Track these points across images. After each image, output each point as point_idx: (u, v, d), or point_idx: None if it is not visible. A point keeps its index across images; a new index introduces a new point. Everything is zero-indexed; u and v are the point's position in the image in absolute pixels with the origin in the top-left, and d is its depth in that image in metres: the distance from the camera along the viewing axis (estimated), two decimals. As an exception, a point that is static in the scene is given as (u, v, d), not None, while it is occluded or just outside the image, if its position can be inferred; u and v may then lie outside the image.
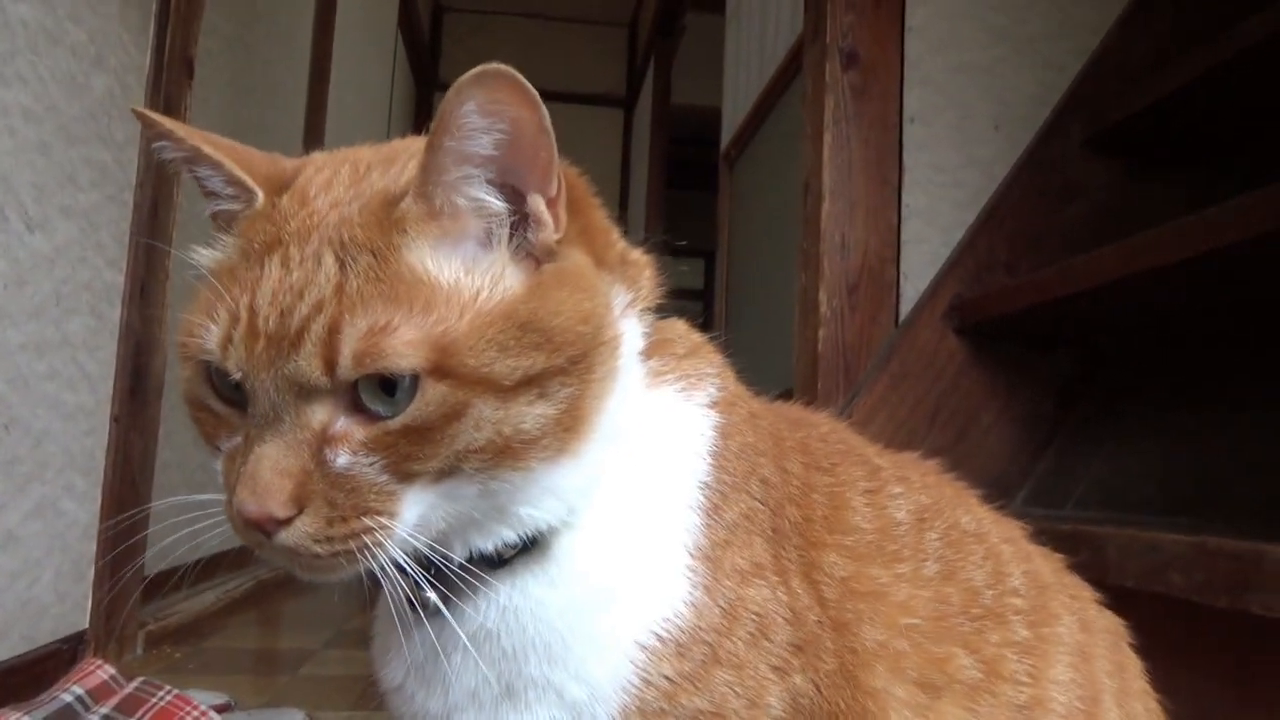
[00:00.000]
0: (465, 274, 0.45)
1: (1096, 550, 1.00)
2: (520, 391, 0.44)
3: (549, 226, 0.47)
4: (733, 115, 2.68)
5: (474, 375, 0.43)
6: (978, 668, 0.53)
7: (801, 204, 1.91)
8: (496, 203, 0.46)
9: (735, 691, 0.47)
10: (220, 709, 1.38)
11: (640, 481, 0.50)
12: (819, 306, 1.82)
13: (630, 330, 0.51)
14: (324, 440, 0.44)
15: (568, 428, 0.46)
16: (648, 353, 0.53)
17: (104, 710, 1.19)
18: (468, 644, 0.48)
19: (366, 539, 0.44)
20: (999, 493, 1.68)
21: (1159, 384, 1.63)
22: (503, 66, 0.44)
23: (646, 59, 5.02)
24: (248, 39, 2.52)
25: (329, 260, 0.44)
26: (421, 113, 5.50)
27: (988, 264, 1.79)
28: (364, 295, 0.43)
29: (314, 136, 3.18)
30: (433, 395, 0.42)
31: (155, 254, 1.77)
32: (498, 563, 0.49)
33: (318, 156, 0.53)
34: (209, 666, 1.75)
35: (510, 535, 0.48)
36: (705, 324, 0.63)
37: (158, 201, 1.76)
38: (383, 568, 0.45)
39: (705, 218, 3.46)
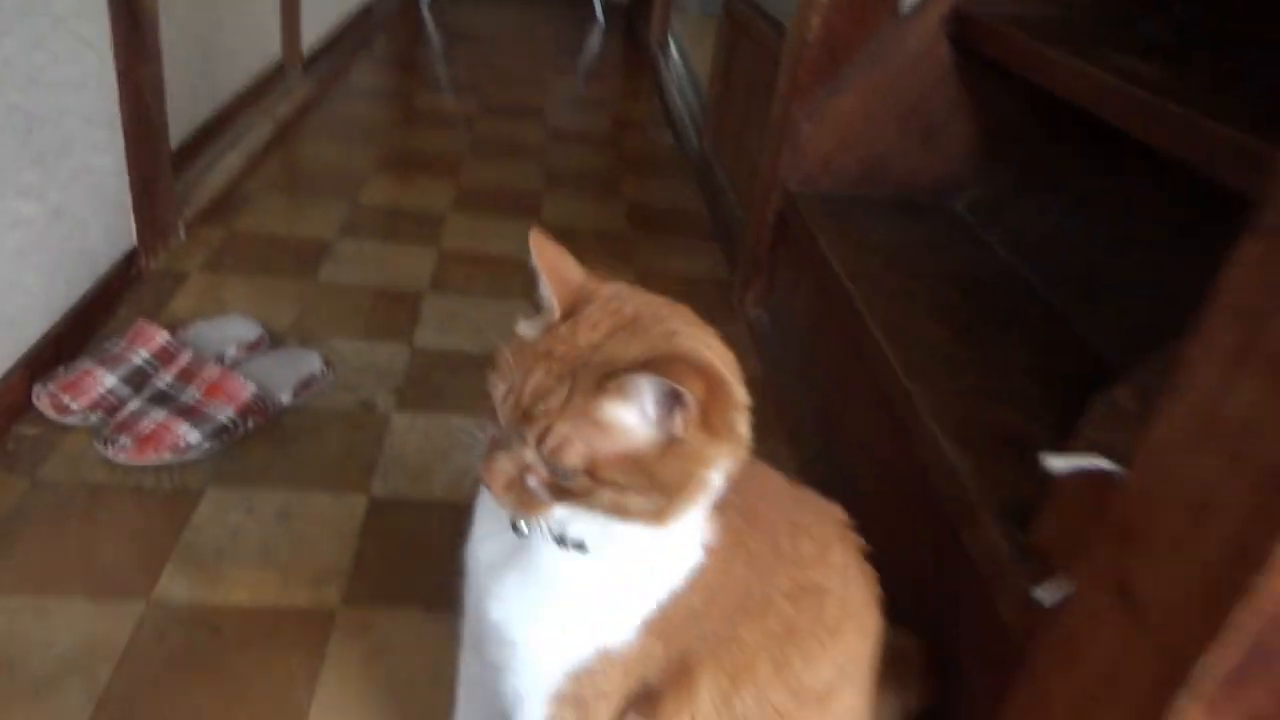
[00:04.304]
0: (627, 426, 0.68)
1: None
2: (631, 491, 0.70)
3: (678, 428, 0.68)
4: None
5: (605, 478, 0.69)
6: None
7: None
8: (661, 411, 0.68)
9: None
10: (253, 345, 1.75)
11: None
12: (812, -2, 1.78)
13: (716, 485, 0.74)
14: (525, 469, 0.71)
15: (657, 517, 0.72)
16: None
17: (168, 378, 1.56)
18: (546, 559, 0.79)
19: (534, 514, 0.73)
20: (947, 192, 1.87)
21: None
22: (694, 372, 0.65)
23: None
24: None
25: (564, 387, 0.68)
26: None
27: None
28: (569, 414, 0.68)
29: None
30: (581, 479, 0.69)
31: None
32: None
33: (603, 291, 0.73)
34: (243, 264, 2.09)
35: (599, 539, 0.77)
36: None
37: None
38: (537, 526, 0.77)
39: None
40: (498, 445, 0.71)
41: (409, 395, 1.74)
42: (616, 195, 2.84)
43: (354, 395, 1.72)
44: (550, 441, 0.67)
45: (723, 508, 0.80)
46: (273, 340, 1.81)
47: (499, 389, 0.71)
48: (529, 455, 0.69)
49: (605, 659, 0.79)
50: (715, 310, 2.28)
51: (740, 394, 0.75)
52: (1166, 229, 1.45)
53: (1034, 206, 1.76)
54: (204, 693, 1.14)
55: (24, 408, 1.53)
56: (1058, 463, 0.84)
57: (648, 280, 2.27)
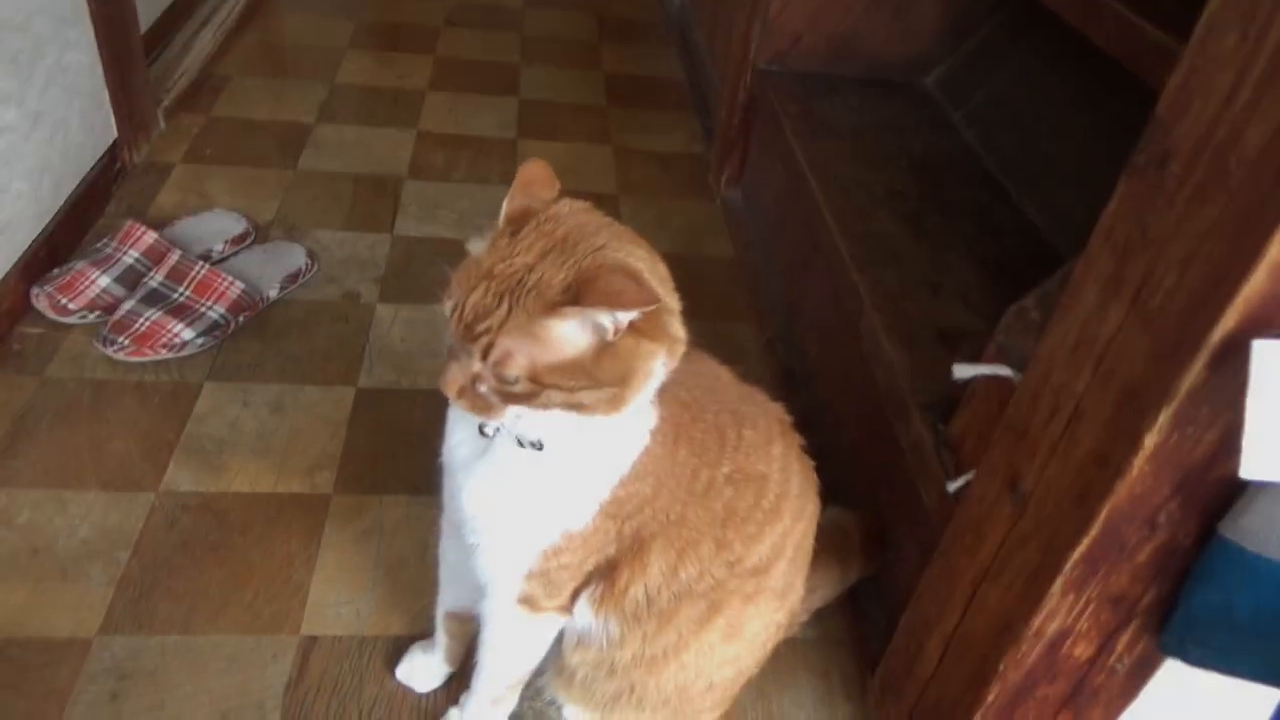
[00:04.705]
0: (563, 339, 0.75)
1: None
2: (580, 389, 0.78)
3: (610, 335, 0.75)
4: None
5: (548, 382, 0.77)
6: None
7: None
8: (603, 323, 0.75)
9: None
10: (239, 239, 1.81)
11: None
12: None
13: (659, 373, 0.81)
14: (475, 377, 0.79)
15: (612, 405, 0.80)
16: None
17: (159, 277, 1.63)
18: (510, 457, 0.88)
19: (488, 416, 0.82)
20: (917, 69, 1.89)
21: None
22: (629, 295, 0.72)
23: None
24: None
25: (503, 307, 0.75)
26: None
27: None
28: (510, 331, 0.75)
29: None
30: (524, 384, 0.77)
31: None
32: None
33: (546, 212, 0.78)
34: (224, 153, 2.12)
35: (554, 438, 0.85)
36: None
37: None
38: (499, 429, 0.85)
39: None
40: (452, 356, 0.79)
41: (391, 285, 1.81)
42: (596, 66, 2.81)
43: (338, 287, 1.79)
44: (493, 355, 0.75)
45: (668, 401, 0.88)
46: (257, 233, 1.86)
47: (447, 305, 0.78)
48: (476, 366, 0.77)
49: (567, 539, 0.90)
50: (691, 188, 2.33)
51: (670, 299, 0.81)
52: (1131, 113, 1.47)
53: (1000, 86, 1.77)
54: (214, 574, 1.27)
55: (24, 310, 1.60)
56: (963, 371, 0.91)
57: (624, 159, 2.32)
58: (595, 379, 0.77)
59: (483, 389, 0.78)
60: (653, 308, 0.76)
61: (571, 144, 2.35)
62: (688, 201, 2.18)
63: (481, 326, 0.75)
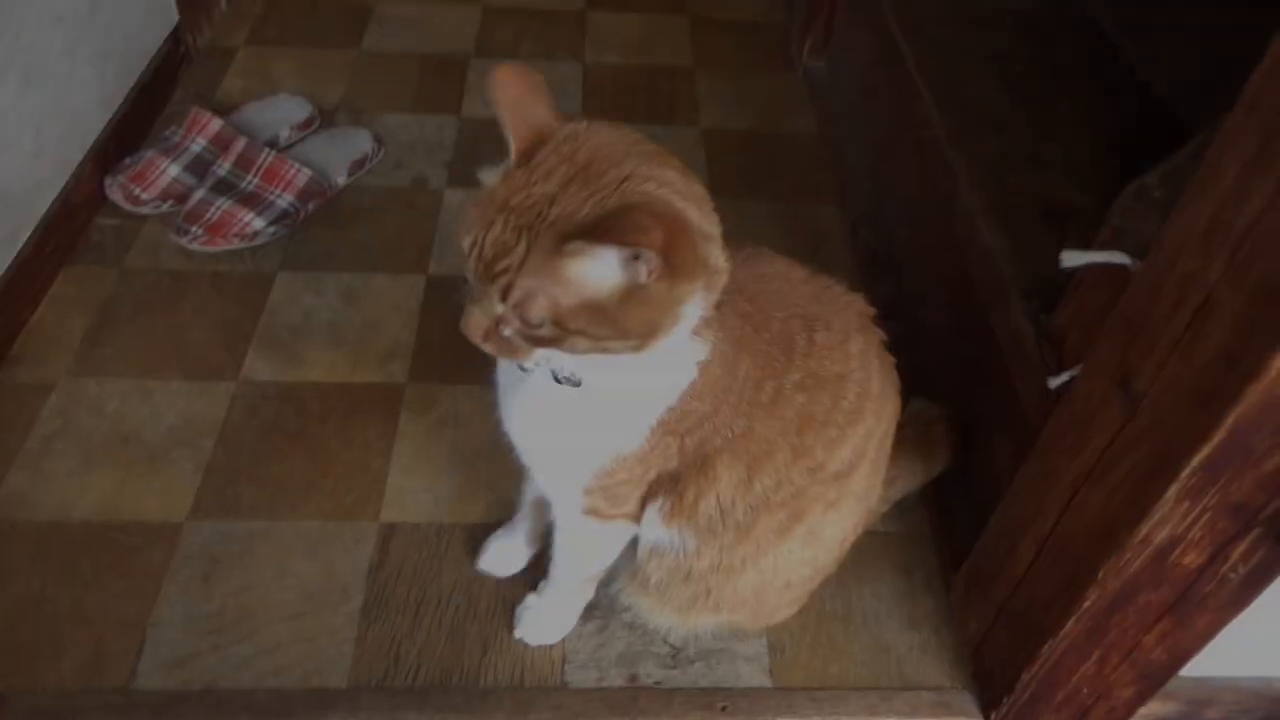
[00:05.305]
0: (585, 280, 0.70)
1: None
2: (609, 336, 0.73)
3: (641, 277, 0.69)
4: None
5: (572, 327, 0.72)
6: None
7: None
8: (623, 264, 0.69)
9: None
10: (304, 125, 1.77)
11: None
12: None
13: (695, 310, 0.76)
14: (498, 320, 0.75)
15: (638, 348, 0.75)
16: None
17: (227, 165, 1.60)
18: (548, 389, 0.83)
19: (516, 359, 0.79)
20: None
21: None
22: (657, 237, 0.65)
23: None
24: None
25: (522, 244, 0.69)
26: None
27: None
28: (530, 271, 0.70)
29: None
30: (549, 328, 0.73)
31: None
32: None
33: (559, 133, 0.71)
34: (287, 34, 2.06)
35: (590, 374, 0.82)
36: None
37: None
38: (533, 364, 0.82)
39: None
40: (472, 297, 0.73)
41: (459, 169, 1.76)
42: (670, -73, 2.64)
43: (406, 172, 1.75)
44: (514, 296, 0.70)
45: (729, 314, 0.82)
46: (323, 118, 1.82)
47: (465, 241, 0.71)
48: (498, 308, 0.72)
49: (620, 460, 0.86)
50: (772, 60, 2.20)
51: (708, 226, 0.75)
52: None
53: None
54: (295, 462, 1.28)
55: (100, 200, 1.60)
56: (1072, 259, 0.83)
57: (700, 29, 2.19)
58: (621, 326, 0.71)
59: (507, 332, 0.73)
60: (687, 242, 0.69)
61: (645, 14, 2.22)
62: (768, 74, 2.04)
63: (501, 265, 0.69)
